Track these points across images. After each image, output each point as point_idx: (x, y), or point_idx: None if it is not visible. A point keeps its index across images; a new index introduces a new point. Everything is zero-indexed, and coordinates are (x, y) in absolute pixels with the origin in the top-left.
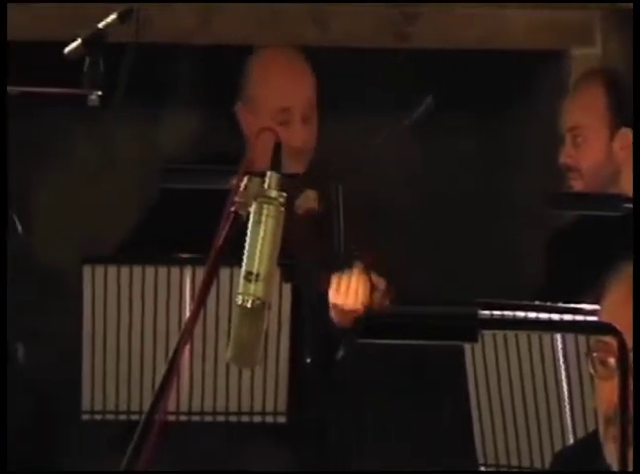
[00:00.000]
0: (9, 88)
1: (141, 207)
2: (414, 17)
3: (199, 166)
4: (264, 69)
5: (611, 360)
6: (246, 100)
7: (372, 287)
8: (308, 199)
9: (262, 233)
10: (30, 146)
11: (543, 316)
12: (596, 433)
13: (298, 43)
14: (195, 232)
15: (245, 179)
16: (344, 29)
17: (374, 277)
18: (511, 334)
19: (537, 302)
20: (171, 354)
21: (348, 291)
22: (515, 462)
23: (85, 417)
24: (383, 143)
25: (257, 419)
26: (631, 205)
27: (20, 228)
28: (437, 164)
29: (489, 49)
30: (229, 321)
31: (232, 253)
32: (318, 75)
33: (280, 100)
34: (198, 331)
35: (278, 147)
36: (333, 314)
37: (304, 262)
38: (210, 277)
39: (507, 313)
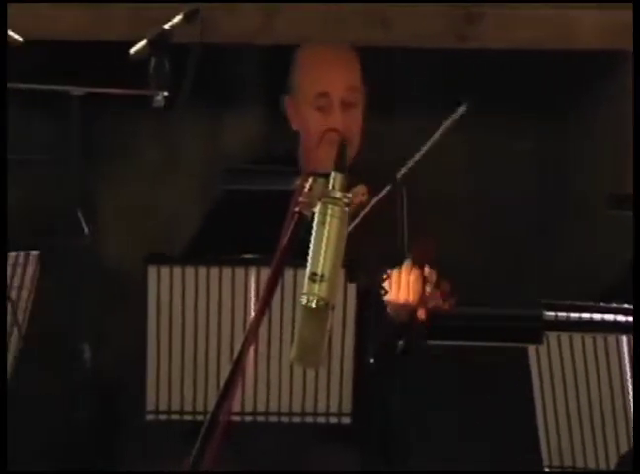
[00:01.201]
0: (75, 88)
1: (205, 207)
2: (477, 17)
3: (262, 167)
4: (307, 57)
5: None
6: (290, 90)
7: (425, 280)
8: (357, 194)
9: (326, 234)
10: (95, 147)
11: (609, 317)
12: None
13: (361, 44)
14: (257, 232)
15: (309, 179)
16: (407, 29)
17: (426, 270)
18: (576, 335)
19: (602, 304)
20: (236, 354)
21: (400, 285)
22: (580, 464)
23: (150, 417)
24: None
25: (321, 419)
26: None
27: (86, 228)
28: (494, 164)
29: (551, 50)
30: (293, 321)
31: (297, 253)
32: (381, 75)
33: (317, 84)
34: (262, 331)
35: (342, 148)
36: (388, 309)
37: (367, 261)
38: (275, 278)
39: (572, 315)
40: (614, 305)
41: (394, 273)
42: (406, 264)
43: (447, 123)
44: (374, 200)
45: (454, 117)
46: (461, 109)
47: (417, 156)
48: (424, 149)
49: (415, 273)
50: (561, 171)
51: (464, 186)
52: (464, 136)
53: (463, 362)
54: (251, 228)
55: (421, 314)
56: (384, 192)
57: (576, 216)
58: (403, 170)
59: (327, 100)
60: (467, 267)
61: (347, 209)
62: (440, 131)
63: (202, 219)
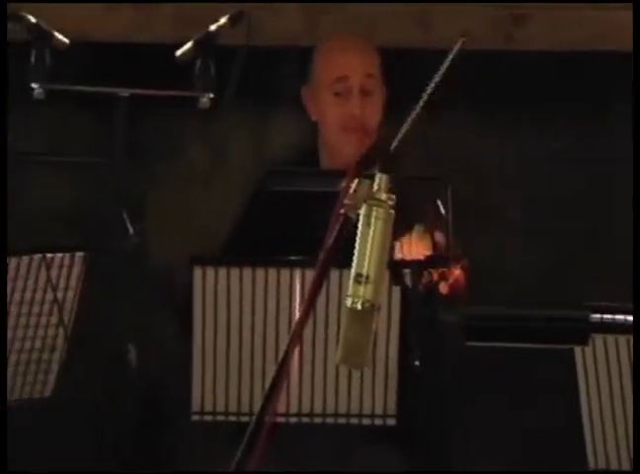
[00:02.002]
0: (121, 90)
1: (246, 208)
2: (523, 18)
3: (307, 168)
4: (326, 46)
5: None
6: (308, 80)
7: (435, 245)
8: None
9: (371, 235)
10: (141, 148)
11: None
12: None
13: (403, 45)
14: (297, 234)
15: (355, 181)
16: (449, 30)
17: (437, 235)
18: (622, 337)
19: None
20: (281, 355)
21: (410, 250)
22: (626, 466)
23: (195, 418)
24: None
25: (366, 421)
26: None
27: (131, 229)
28: (541, 164)
29: (596, 51)
30: (338, 323)
31: (342, 255)
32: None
33: (336, 69)
34: (307, 333)
35: (385, 148)
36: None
37: (412, 263)
38: (320, 280)
39: (618, 316)
40: None
41: (405, 237)
42: (417, 228)
43: (447, 62)
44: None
45: (453, 53)
46: (459, 43)
47: (420, 102)
48: (427, 92)
49: (425, 237)
50: (608, 171)
51: (512, 187)
52: (510, 137)
53: (507, 364)
54: (291, 230)
55: (443, 288)
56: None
57: (623, 217)
58: (406, 123)
59: (346, 85)
60: (515, 268)
61: (392, 211)
62: (440, 71)
63: (242, 220)
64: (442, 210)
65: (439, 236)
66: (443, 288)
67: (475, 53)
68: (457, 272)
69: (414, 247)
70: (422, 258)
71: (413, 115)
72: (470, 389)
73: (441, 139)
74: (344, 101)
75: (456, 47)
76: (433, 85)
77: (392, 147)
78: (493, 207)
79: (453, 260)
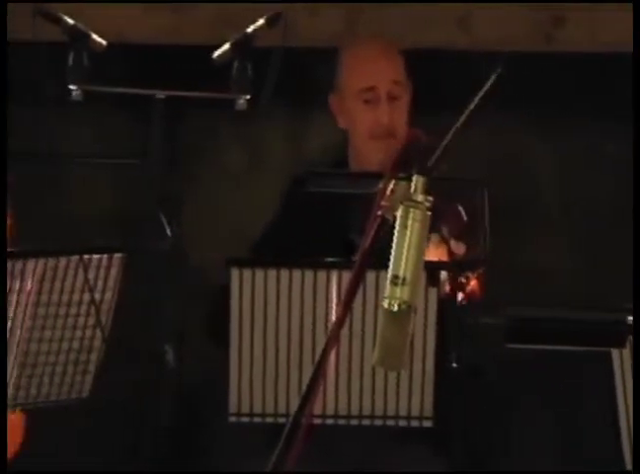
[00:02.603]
0: (159, 91)
1: (281, 210)
2: (562, 20)
3: (343, 170)
4: (351, 54)
5: None
6: (335, 87)
7: (450, 254)
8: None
9: (408, 237)
10: (178, 149)
11: None
12: None
13: (444, 47)
14: (332, 235)
15: (391, 183)
16: (489, 32)
17: (454, 244)
18: None
19: None
20: (317, 357)
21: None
22: None
23: (232, 419)
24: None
25: (402, 423)
26: None
27: (169, 230)
28: (585, 168)
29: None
30: (375, 324)
31: (378, 257)
32: (466, 78)
33: (364, 79)
34: (344, 334)
35: (424, 151)
36: None
37: (450, 265)
38: (357, 281)
39: None
40: None
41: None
42: (433, 238)
43: (482, 91)
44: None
45: (488, 84)
46: (495, 74)
47: (453, 129)
48: (460, 121)
49: (441, 246)
50: None
51: (556, 190)
52: (550, 137)
53: (544, 365)
54: (326, 231)
55: (462, 300)
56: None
57: None
58: (445, 140)
59: (374, 94)
60: (555, 269)
61: (429, 213)
62: (475, 101)
63: (277, 221)
64: (465, 217)
65: (454, 245)
66: (462, 300)
67: (516, 55)
68: (474, 282)
69: (430, 256)
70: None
71: (456, 126)
72: (508, 390)
73: (482, 140)
74: (372, 108)
75: (491, 79)
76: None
77: (434, 151)
78: (533, 209)
79: (470, 269)
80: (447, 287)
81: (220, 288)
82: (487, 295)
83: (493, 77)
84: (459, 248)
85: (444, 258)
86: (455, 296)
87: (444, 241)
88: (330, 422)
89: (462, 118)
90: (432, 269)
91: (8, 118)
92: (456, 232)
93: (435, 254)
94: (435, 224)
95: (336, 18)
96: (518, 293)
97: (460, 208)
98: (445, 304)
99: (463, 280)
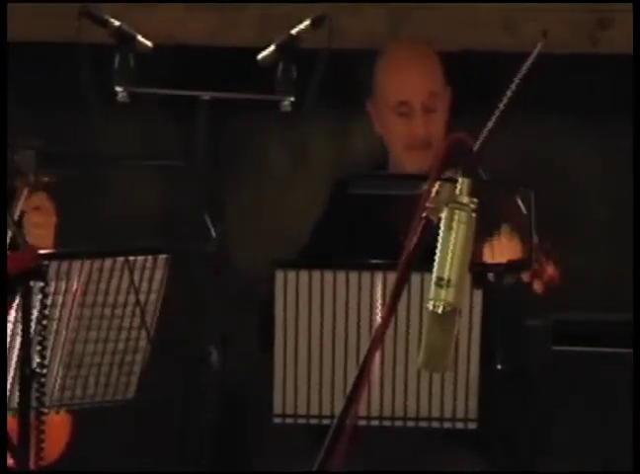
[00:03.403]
0: (204, 93)
1: (325, 211)
2: (608, 21)
3: (388, 172)
4: (388, 63)
5: None
6: (372, 94)
7: (524, 245)
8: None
9: (453, 239)
10: (223, 150)
11: None
12: None
13: (489, 49)
14: (377, 237)
15: (437, 184)
16: (535, 34)
17: (526, 236)
18: None
19: None
20: (362, 358)
21: (501, 251)
22: None
23: (277, 420)
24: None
25: (447, 424)
26: None
27: (213, 231)
28: (624, 166)
29: None
30: (420, 326)
31: (423, 258)
32: (507, 80)
33: (398, 93)
34: (388, 336)
35: (469, 153)
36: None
37: (495, 266)
38: (402, 283)
39: None
40: None
41: (494, 238)
42: (504, 229)
43: (526, 65)
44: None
45: (532, 57)
46: (539, 47)
47: (501, 106)
48: (500, 107)
49: (512, 239)
50: None
51: (597, 189)
52: (596, 139)
53: (589, 366)
54: (371, 233)
55: (538, 287)
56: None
57: None
58: (489, 124)
59: (408, 107)
60: (601, 271)
61: (474, 214)
62: (519, 75)
63: (322, 223)
64: (524, 209)
65: (528, 236)
66: (538, 287)
67: (561, 57)
68: (550, 268)
69: (505, 248)
70: (515, 257)
71: (494, 118)
72: (553, 392)
73: (527, 142)
74: (407, 120)
75: (536, 49)
76: (513, 86)
77: (474, 150)
78: (579, 211)
79: (545, 256)
80: (525, 276)
81: (268, 301)
82: (532, 298)
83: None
84: (533, 239)
85: (518, 248)
86: (532, 284)
87: (516, 230)
88: (374, 423)
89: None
90: (476, 270)
91: (55, 119)
92: (518, 224)
93: (508, 245)
94: (499, 216)
95: (379, 19)
96: (563, 295)
97: (519, 201)
98: (491, 306)
99: (537, 267)
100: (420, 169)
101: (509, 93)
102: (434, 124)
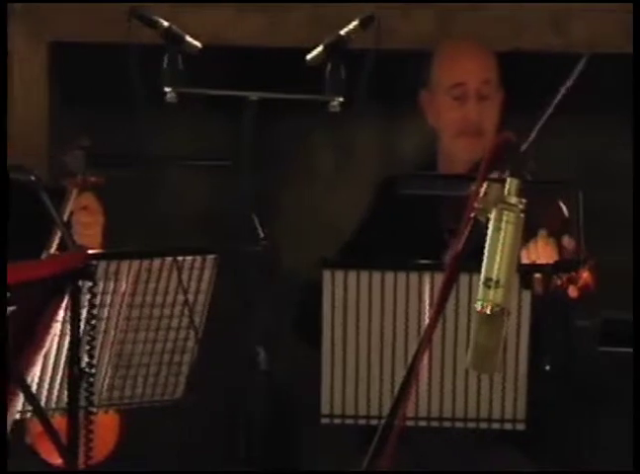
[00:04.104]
0: (252, 93)
1: (371, 212)
2: None
3: (435, 173)
4: (444, 51)
5: None
6: (427, 83)
7: (561, 249)
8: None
9: (501, 240)
10: (270, 150)
11: None
12: None
13: (537, 49)
14: (423, 237)
15: (485, 185)
16: (584, 34)
17: (566, 240)
18: None
19: None
20: (410, 359)
21: (537, 256)
22: None
23: (324, 421)
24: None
25: (495, 426)
26: None
27: (261, 231)
28: None
29: None
30: (468, 327)
31: (471, 259)
32: (560, 80)
33: (454, 75)
34: (436, 337)
35: (516, 153)
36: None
37: (541, 268)
38: (449, 284)
39: None
40: None
41: (530, 243)
42: (541, 234)
43: (571, 79)
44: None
45: (577, 71)
46: (582, 62)
47: (546, 115)
48: (550, 108)
49: (549, 243)
50: None
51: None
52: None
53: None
54: (417, 233)
55: (573, 292)
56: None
57: None
58: (536, 128)
59: (463, 90)
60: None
61: (522, 215)
62: (564, 88)
63: (367, 223)
64: (566, 213)
65: (566, 240)
66: (573, 292)
67: (609, 56)
68: (586, 274)
69: (540, 253)
70: (549, 262)
71: (542, 120)
72: (601, 394)
73: (575, 143)
74: (461, 105)
75: (581, 64)
76: (559, 96)
77: (523, 150)
78: (626, 211)
79: (581, 263)
80: (559, 281)
81: (309, 288)
82: (581, 298)
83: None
84: (570, 243)
85: (554, 253)
86: (567, 290)
87: (553, 236)
88: (422, 424)
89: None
90: (525, 271)
91: (104, 120)
92: (558, 228)
93: (544, 249)
94: (537, 220)
95: (427, 19)
96: (610, 296)
97: (562, 204)
98: (539, 307)
99: (574, 274)
100: (470, 157)
101: (555, 102)
102: (486, 112)
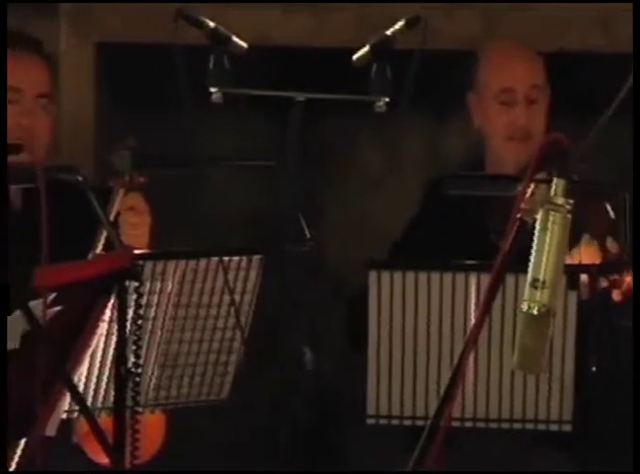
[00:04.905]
0: (299, 94)
1: (418, 211)
2: None
3: (482, 173)
4: (492, 54)
5: None
6: (474, 86)
7: (604, 252)
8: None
9: (548, 240)
10: (318, 151)
11: None
12: None
13: (586, 48)
14: (470, 238)
15: (532, 185)
16: (630, 34)
17: (609, 242)
18: None
19: None
20: (456, 360)
21: (579, 260)
22: None
23: (370, 421)
24: None
25: (541, 426)
26: None
27: (307, 231)
28: None
29: None
30: (514, 328)
31: (518, 260)
32: (605, 81)
33: (503, 80)
34: (482, 337)
35: (564, 153)
36: None
37: (589, 268)
38: (496, 284)
39: None
40: None
41: (574, 246)
42: (584, 237)
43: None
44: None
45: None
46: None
47: (605, 116)
48: (610, 109)
49: (592, 247)
50: None
51: None
52: None
53: None
54: (464, 233)
55: (617, 296)
56: None
57: None
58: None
59: (511, 95)
60: None
61: (569, 216)
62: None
63: (414, 223)
64: (612, 215)
65: (610, 243)
66: (617, 296)
67: None
68: (629, 279)
69: (583, 255)
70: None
71: (602, 121)
72: None
73: (619, 144)
74: (509, 110)
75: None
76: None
77: (575, 153)
78: None
79: (626, 267)
80: (604, 283)
81: (355, 289)
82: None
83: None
84: (613, 246)
85: (597, 256)
86: (611, 293)
87: (597, 239)
88: (468, 425)
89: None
90: (571, 272)
91: (151, 120)
92: (603, 231)
93: (586, 252)
94: (583, 222)
95: (473, 20)
96: None
97: (608, 206)
98: (585, 307)
99: (618, 277)
100: (518, 161)
101: (616, 102)
102: (535, 117)
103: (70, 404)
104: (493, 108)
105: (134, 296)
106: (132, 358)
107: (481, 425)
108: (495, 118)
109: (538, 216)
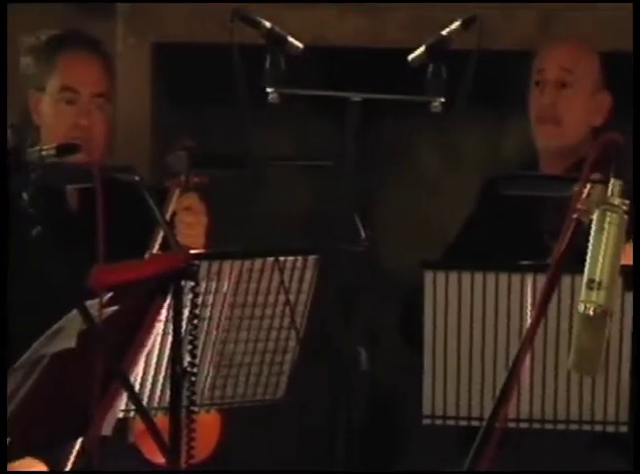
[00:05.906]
0: (354, 94)
1: (474, 211)
2: None
3: (538, 173)
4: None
5: None
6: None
7: None
8: None
9: (604, 241)
10: (374, 151)
11: None
12: None
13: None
14: (526, 238)
15: (588, 186)
16: None
17: None
18: None
19: None
20: (512, 361)
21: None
22: None
23: (426, 421)
24: None
25: (598, 427)
26: None
27: (363, 231)
28: None
29: None
30: (570, 329)
31: (574, 260)
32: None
33: (537, 61)
34: (538, 338)
35: (619, 154)
36: None
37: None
38: (552, 285)
39: None
40: None
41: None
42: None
43: None
44: None
45: None
46: None
47: None
48: None
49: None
50: None
51: None
52: None
53: None
54: (520, 234)
55: None
56: None
57: None
58: None
59: (542, 76)
60: None
61: (626, 217)
62: None
63: (470, 223)
64: None
65: None
66: None
67: None
68: None
69: (627, 257)
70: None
71: None
72: None
73: None
74: (540, 91)
75: None
76: None
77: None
78: None
79: None
80: None
81: (413, 289)
82: None
83: None
84: None
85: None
86: None
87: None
88: (524, 426)
89: None
90: (628, 273)
91: (207, 120)
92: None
93: (629, 251)
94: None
95: (530, 20)
96: None
97: None
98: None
99: None
100: (547, 145)
101: None
102: (564, 100)
103: (127, 404)
104: (531, 92)
105: (190, 296)
106: (188, 358)
107: (537, 426)
108: (531, 103)
109: (594, 217)
